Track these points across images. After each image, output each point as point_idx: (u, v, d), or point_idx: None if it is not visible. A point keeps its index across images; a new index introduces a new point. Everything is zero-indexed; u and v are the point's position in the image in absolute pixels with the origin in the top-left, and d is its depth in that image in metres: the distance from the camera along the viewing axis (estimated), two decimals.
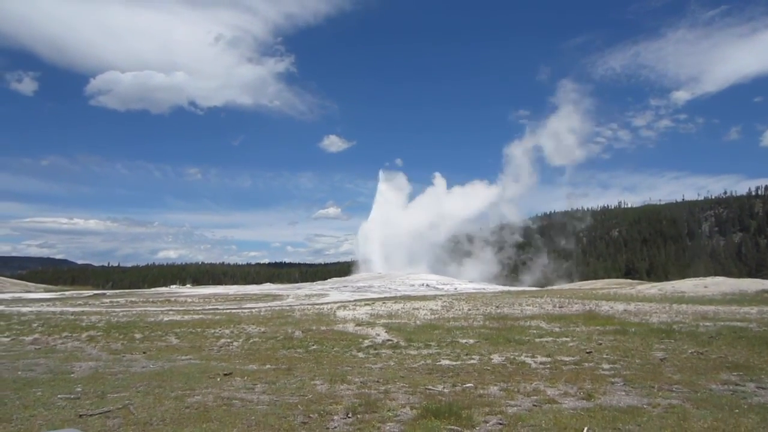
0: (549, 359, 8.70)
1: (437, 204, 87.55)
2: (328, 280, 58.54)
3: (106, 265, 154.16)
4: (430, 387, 6.64)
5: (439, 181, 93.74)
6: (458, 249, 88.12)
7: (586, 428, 4.76)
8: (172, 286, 59.33)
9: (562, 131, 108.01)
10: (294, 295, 32.19)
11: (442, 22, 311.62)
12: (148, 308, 21.54)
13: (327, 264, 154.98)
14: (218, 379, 7.26)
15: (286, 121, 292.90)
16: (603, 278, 68.24)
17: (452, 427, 4.81)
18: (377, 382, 7.00)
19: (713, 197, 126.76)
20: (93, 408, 5.62)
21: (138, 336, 12.44)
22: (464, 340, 11.02)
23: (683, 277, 38.94)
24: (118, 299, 28.87)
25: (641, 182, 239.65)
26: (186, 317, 16.69)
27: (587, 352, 9.21)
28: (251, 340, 11.57)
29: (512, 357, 8.95)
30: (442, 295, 27.65)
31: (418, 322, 14.62)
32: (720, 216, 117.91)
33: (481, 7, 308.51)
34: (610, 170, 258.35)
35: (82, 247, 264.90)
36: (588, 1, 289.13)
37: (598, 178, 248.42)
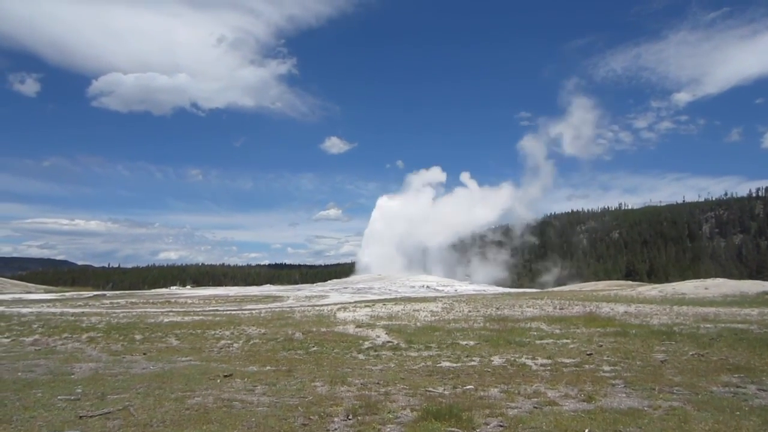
0: (549, 361, 8.68)
1: (468, 205, 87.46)
2: (329, 281, 58.56)
3: (106, 266, 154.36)
4: (430, 389, 6.63)
5: (470, 182, 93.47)
6: (472, 252, 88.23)
7: (586, 430, 4.75)
8: (172, 288, 59.32)
9: (579, 123, 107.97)
10: (294, 296, 32.18)
11: (443, 24, 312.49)
12: (149, 309, 21.54)
13: (327, 265, 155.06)
14: (218, 381, 7.26)
15: (287, 122, 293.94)
16: (603, 280, 68.17)
17: (453, 429, 4.80)
18: (377, 383, 6.99)
19: (714, 199, 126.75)
20: (93, 409, 5.61)
21: (138, 337, 12.44)
22: (464, 342, 11.01)
23: (684, 279, 38.94)
24: (119, 300, 28.87)
25: (642, 184, 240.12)
26: (186, 318, 16.69)
27: (588, 354, 9.20)
28: (251, 342, 11.57)
29: (513, 359, 8.94)
30: (442, 297, 27.63)
31: (418, 323, 14.61)
32: (720, 217, 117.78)
33: (481, 8, 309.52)
34: (610, 172, 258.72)
35: (82, 248, 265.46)
36: (589, 3, 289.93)
37: (599, 180, 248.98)
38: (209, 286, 76.90)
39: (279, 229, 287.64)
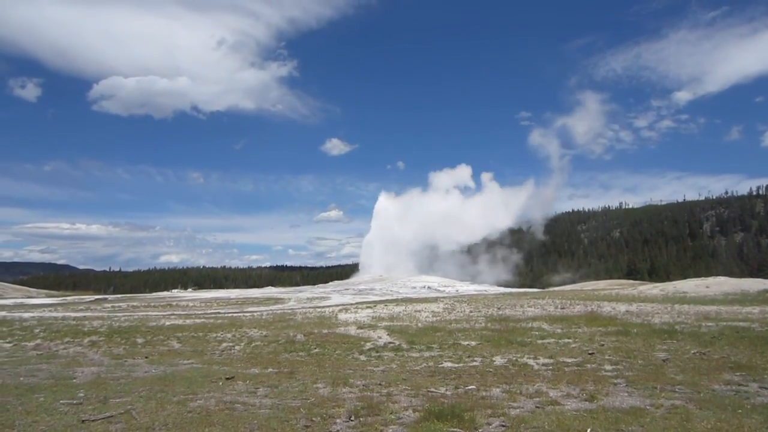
0: (551, 361, 8.68)
1: (490, 206, 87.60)
2: (330, 283, 58.56)
3: (107, 269, 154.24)
4: (432, 389, 6.64)
5: (492, 183, 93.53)
6: (484, 254, 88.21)
7: (589, 430, 4.75)
8: (173, 291, 59.36)
9: (591, 117, 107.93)
10: (295, 298, 32.18)
11: (443, 25, 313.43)
12: (150, 313, 21.54)
13: (329, 267, 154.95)
14: (220, 384, 7.26)
15: (288, 124, 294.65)
16: (604, 279, 68.15)
17: (455, 429, 4.81)
18: (379, 384, 6.99)
19: (714, 197, 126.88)
20: (95, 413, 5.62)
21: (140, 341, 12.44)
22: (466, 342, 11.00)
23: (685, 278, 38.92)
24: (120, 304, 28.88)
25: (642, 183, 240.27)
26: (188, 321, 16.69)
27: (589, 354, 9.19)
28: (253, 344, 11.57)
29: (514, 359, 8.94)
30: (443, 298, 27.62)
31: (419, 324, 14.60)
32: (721, 216, 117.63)
33: (482, 9, 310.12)
34: (611, 171, 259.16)
35: (83, 252, 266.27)
36: (589, 3, 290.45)
37: (599, 179, 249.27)
38: (210, 288, 76.88)
39: (280, 231, 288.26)
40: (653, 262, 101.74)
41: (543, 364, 8.40)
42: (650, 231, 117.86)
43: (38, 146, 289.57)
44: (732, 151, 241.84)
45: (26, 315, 20.47)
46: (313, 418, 5.31)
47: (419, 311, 18.17)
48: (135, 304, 28.67)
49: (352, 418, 5.26)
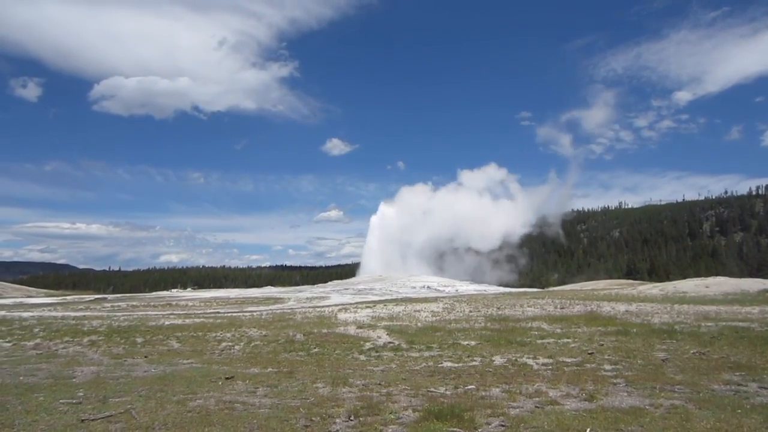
0: (551, 360, 8.68)
1: (516, 208, 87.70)
2: (329, 282, 58.50)
3: (107, 269, 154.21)
4: (432, 389, 6.64)
5: (515, 186, 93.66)
6: (495, 255, 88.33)
7: (588, 429, 4.75)
8: (173, 290, 59.34)
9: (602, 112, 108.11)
10: (295, 298, 32.18)
11: (444, 25, 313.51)
12: (150, 312, 21.54)
13: (328, 267, 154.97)
14: (220, 383, 7.26)
15: (288, 124, 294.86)
16: (604, 279, 68.11)
17: (454, 429, 4.81)
18: (379, 384, 6.99)
19: (714, 197, 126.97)
20: (95, 413, 5.62)
21: (139, 340, 12.44)
22: (466, 342, 11.01)
23: (684, 277, 38.94)
24: (120, 303, 28.87)
25: (642, 182, 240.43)
26: (187, 321, 16.69)
27: (589, 353, 9.19)
28: (253, 344, 11.57)
29: (514, 358, 8.94)
30: (443, 297, 27.62)
31: (419, 324, 14.60)
32: (721, 216, 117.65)
33: (483, 10, 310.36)
34: (611, 171, 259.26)
35: (83, 251, 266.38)
36: (590, 3, 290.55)
37: (599, 179, 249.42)
38: (210, 288, 76.89)
39: (280, 231, 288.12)
40: (653, 262, 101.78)
41: (542, 364, 8.41)
42: (650, 231, 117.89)
43: (39, 146, 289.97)
44: (732, 151, 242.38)
45: (26, 314, 20.47)
46: (313, 418, 5.31)
47: (419, 311, 18.17)
48: (134, 303, 28.66)
49: (352, 418, 5.27)
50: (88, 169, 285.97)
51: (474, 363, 8.70)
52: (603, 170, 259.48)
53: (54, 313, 21.17)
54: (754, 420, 4.98)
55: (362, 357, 9.72)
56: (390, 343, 11.30)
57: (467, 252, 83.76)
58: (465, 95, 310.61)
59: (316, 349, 10.62)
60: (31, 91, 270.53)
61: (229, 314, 19.60)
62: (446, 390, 6.61)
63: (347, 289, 41.91)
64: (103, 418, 5.40)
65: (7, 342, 12.50)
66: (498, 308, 18.57)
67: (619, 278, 72.06)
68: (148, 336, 13.04)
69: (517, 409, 5.52)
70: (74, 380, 7.72)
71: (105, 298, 38.64)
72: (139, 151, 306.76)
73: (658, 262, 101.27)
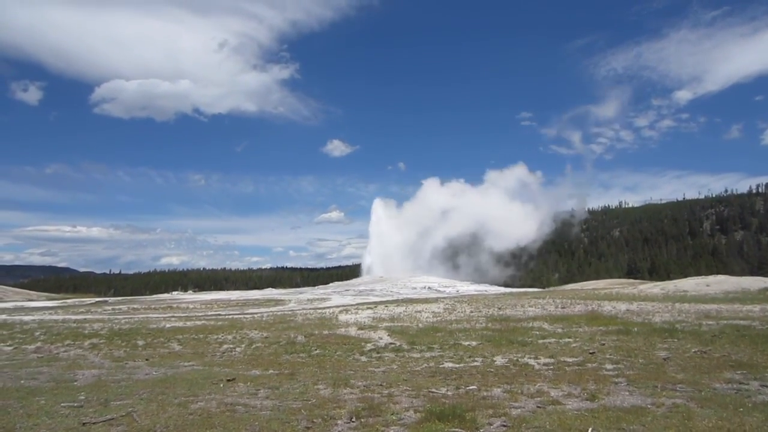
0: (552, 360, 8.67)
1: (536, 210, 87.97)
2: (330, 284, 58.52)
3: (108, 272, 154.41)
4: (433, 390, 6.63)
5: (537, 187, 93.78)
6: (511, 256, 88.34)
7: (590, 429, 4.75)
8: (174, 293, 59.34)
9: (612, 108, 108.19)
10: (296, 299, 32.17)
11: (444, 26, 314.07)
12: (151, 315, 21.54)
13: (329, 268, 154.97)
14: (221, 385, 7.26)
15: (289, 126, 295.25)
16: (605, 278, 68.08)
17: (456, 429, 4.81)
18: (380, 385, 6.99)
19: (714, 196, 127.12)
20: (96, 416, 5.62)
21: (140, 343, 12.44)
22: (467, 343, 11.00)
23: (685, 276, 38.90)
24: (121, 306, 28.86)
25: (642, 182, 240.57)
26: (188, 323, 16.69)
27: (590, 353, 9.19)
28: (254, 346, 11.56)
29: (515, 358, 8.93)
30: (444, 298, 27.61)
31: (420, 324, 14.60)
32: (721, 214, 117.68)
33: (483, 10, 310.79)
34: (611, 170, 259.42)
35: (84, 254, 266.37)
36: (590, 3, 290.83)
37: (600, 178, 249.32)
38: (211, 290, 76.85)
39: (281, 232, 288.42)
40: (653, 261, 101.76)
41: (544, 364, 8.40)
42: (650, 230, 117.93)
43: (39, 149, 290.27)
44: (732, 149, 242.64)
45: (27, 318, 20.47)
46: (314, 420, 5.31)
47: (420, 312, 18.16)
48: (135, 306, 28.66)
49: (353, 419, 5.26)
50: (88, 172, 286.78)
51: (475, 363, 8.69)
52: (603, 170, 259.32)
53: (55, 317, 21.17)
54: (756, 418, 4.97)
55: (363, 358, 9.72)
56: (391, 344, 11.29)
57: (482, 252, 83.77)
58: (465, 96, 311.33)
59: (317, 351, 10.62)
60: (32, 94, 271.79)
61: (230, 316, 19.60)
62: (448, 390, 6.60)
63: (348, 290, 41.90)
64: (104, 421, 5.40)
65: (8, 346, 12.50)
66: (499, 308, 18.56)
67: (619, 277, 72.07)
68: (149, 339, 13.04)
69: (519, 409, 5.52)
70: (75, 383, 7.72)
71: (106, 301, 38.63)
72: (140, 154, 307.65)
73: (658, 261, 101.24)
